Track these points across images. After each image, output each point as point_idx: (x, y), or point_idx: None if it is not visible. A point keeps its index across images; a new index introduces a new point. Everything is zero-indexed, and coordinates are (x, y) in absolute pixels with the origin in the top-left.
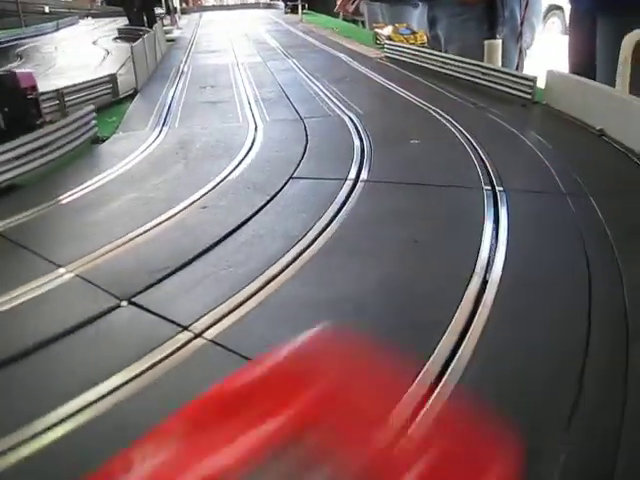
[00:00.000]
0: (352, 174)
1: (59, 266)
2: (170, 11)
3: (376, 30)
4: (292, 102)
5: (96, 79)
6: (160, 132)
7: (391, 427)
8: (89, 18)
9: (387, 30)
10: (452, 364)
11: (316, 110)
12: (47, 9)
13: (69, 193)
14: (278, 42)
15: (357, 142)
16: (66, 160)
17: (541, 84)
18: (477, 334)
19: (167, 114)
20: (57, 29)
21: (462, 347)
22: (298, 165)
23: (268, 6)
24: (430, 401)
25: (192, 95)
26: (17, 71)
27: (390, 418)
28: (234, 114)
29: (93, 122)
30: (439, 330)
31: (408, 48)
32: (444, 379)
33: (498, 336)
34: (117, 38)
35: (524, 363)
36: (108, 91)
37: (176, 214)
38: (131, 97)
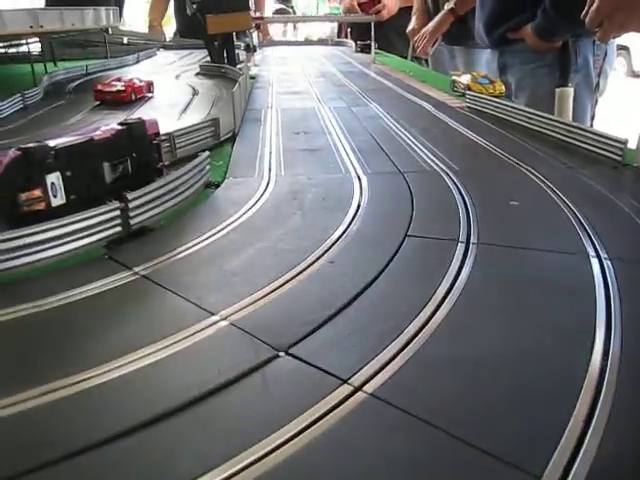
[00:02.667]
0: (462, 236)
1: (212, 313)
2: (250, 49)
3: (454, 77)
4: (387, 153)
5: (201, 122)
6: (269, 180)
7: None
8: (163, 50)
9: (465, 78)
10: None
11: (412, 163)
12: (126, 40)
13: (199, 240)
14: (356, 85)
15: (460, 201)
16: (186, 205)
17: (631, 144)
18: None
19: (270, 160)
20: (138, 61)
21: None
22: (410, 222)
23: (337, 44)
24: None
25: (289, 142)
26: (145, 119)
27: None
28: (334, 164)
29: (207, 167)
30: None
31: (491, 100)
32: None
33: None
34: (199, 74)
35: None
36: (211, 134)
37: (307, 267)
38: (230, 140)
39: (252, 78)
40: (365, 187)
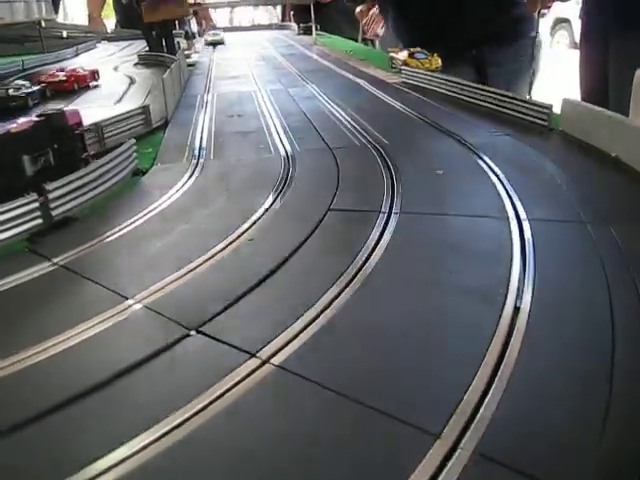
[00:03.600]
0: (385, 207)
1: (126, 298)
2: (189, 36)
3: (391, 54)
4: (319, 131)
5: (130, 111)
6: (197, 164)
7: None
8: (105, 42)
9: (402, 54)
10: None
11: (342, 140)
12: (65, 34)
13: (122, 226)
14: (295, 67)
15: (386, 173)
16: (112, 193)
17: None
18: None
19: (201, 145)
20: (77, 54)
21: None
22: (334, 196)
23: (281, 27)
24: None
25: (221, 125)
26: (65, 109)
27: None
28: (265, 145)
29: (134, 155)
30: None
31: (424, 74)
32: None
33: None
34: (137, 64)
35: None
36: (141, 122)
37: (226, 246)
38: (162, 127)
39: (191, 65)
40: (293, 165)
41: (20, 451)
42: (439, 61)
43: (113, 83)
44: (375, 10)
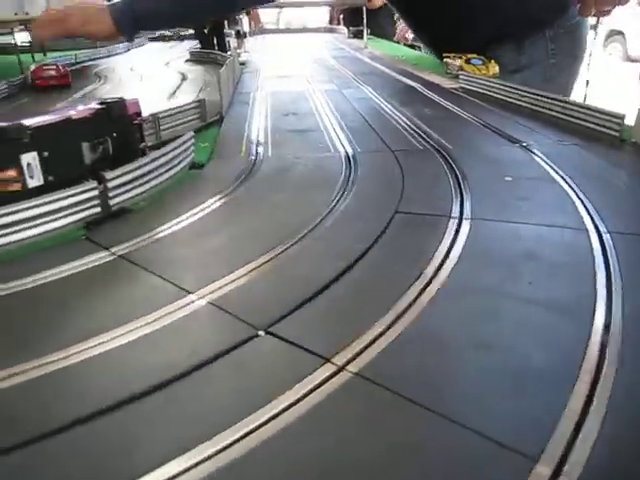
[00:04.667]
0: (455, 212)
1: (189, 292)
2: (240, 35)
3: (446, 60)
4: (378, 132)
5: (187, 104)
6: (255, 160)
7: None
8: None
9: (458, 60)
10: None
11: (403, 142)
12: None
13: (181, 218)
14: (348, 69)
15: (452, 178)
16: (169, 185)
17: (629, 121)
18: None
19: (258, 142)
20: (128, 50)
21: None
22: (400, 199)
23: (330, 30)
24: None
25: (277, 122)
26: (126, 98)
27: None
28: (324, 144)
29: (192, 148)
30: None
31: (484, 80)
32: None
33: None
34: (188, 60)
35: None
36: (197, 116)
37: (292, 245)
38: (217, 122)
39: (242, 64)
40: (354, 165)
41: (65, 457)
42: (496, 67)
43: (165, 78)
44: None
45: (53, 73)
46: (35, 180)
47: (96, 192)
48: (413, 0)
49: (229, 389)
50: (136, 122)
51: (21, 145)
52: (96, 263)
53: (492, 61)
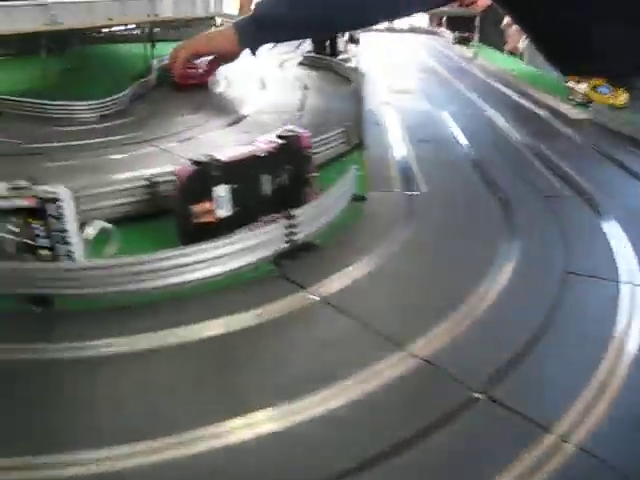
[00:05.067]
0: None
1: (398, 345)
2: (354, 40)
3: (570, 84)
4: (518, 172)
5: (334, 133)
6: (412, 195)
7: None
8: None
9: (582, 86)
10: None
11: (547, 186)
12: (219, 21)
13: (366, 259)
14: (464, 85)
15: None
16: (338, 220)
17: None
18: None
19: (407, 174)
20: None
21: None
22: (570, 255)
23: (430, 32)
24: None
25: (419, 151)
26: (300, 132)
27: None
28: (477, 180)
29: (354, 180)
30: None
31: (621, 115)
32: None
33: None
34: (301, 63)
35: None
36: (343, 141)
37: (486, 293)
38: (358, 145)
39: (353, 71)
40: (515, 210)
41: None
42: (625, 96)
43: (285, 88)
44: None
45: (196, 72)
46: (224, 211)
47: (283, 228)
48: (542, 9)
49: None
50: (308, 154)
51: (215, 178)
52: (296, 306)
53: (620, 89)
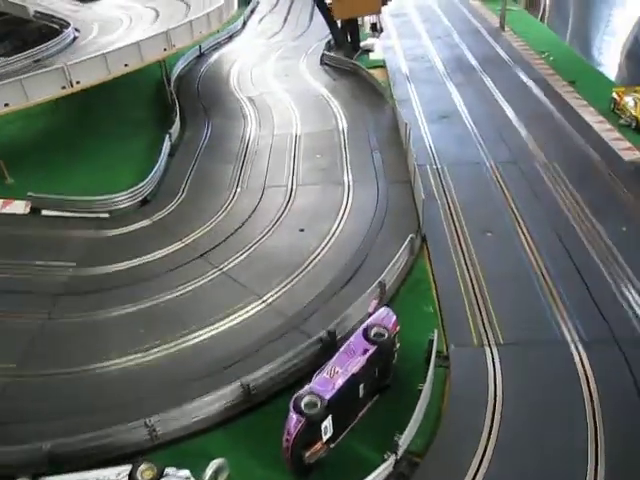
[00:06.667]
0: None
1: None
2: (377, 29)
3: (615, 96)
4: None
5: (394, 264)
6: (494, 353)
7: None
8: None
9: (630, 101)
10: None
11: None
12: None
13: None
14: (493, 82)
15: None
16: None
17: None
18: None
19: (487, 316)
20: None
21: None
22: None
23: None
24: None
25: (491, 266)
26: (389, 327)
27: None
28: None
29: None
30: None
31: None
32: None
33: None
34: (325, 64)
35: None
36: (408, 250)
37: None
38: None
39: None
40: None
41: None
42: None
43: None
44: None
45: None
46: (328, 434)
47: (391, 462)
48: None
49: None
50: (394, 340)
51: (322, 418)
52: None
53: None
